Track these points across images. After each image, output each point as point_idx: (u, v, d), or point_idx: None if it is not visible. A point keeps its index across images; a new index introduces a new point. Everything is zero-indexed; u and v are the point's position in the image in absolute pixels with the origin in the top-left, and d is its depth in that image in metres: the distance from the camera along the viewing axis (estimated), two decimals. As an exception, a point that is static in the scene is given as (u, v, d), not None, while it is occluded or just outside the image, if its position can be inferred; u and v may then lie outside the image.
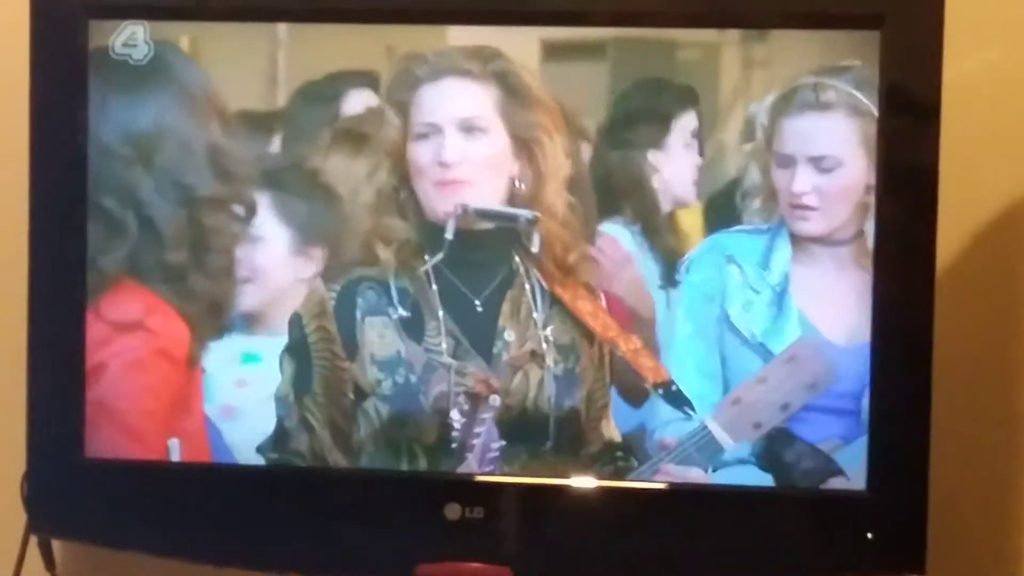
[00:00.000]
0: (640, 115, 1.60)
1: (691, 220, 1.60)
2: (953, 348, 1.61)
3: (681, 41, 1.59)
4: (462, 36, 1.59)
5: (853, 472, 1.57)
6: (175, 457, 1.62)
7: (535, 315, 1.60)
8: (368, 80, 1.60)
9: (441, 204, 1.58)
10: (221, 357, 1.62)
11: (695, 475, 1.59)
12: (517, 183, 1.58)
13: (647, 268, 1.62)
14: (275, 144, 1.62)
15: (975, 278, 1.75)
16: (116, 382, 1.61)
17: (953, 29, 1.53)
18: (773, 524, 1.59)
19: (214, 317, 1.61)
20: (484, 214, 1.58)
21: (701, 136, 1.60)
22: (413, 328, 1.59)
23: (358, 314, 1.59)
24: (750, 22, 1.58)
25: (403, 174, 1.59)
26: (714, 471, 1.59)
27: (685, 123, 1.60)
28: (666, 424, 1.60)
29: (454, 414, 1.59)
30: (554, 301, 1.61)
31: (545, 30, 1.59)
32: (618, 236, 1.61)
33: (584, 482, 1.60)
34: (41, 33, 1.59)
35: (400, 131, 1.58)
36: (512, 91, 1.57)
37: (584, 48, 1.60)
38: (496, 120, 1.58)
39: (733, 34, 1.59)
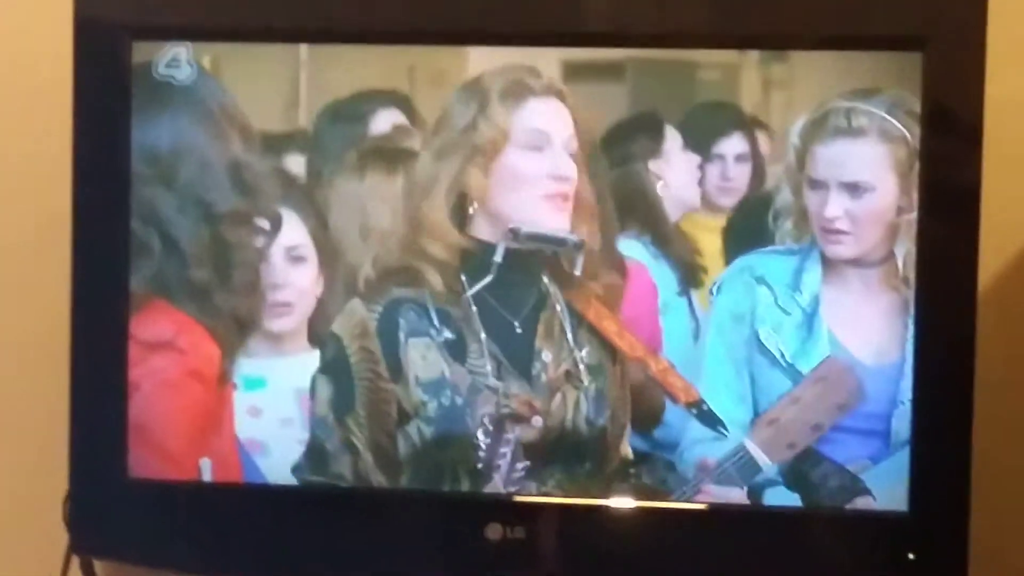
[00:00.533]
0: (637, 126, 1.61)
1: (705, 229, 1.62)
2: (994, 368, 1.60)
3: (725, 62, 1.60)
4: (483, 57, 1.60)
5: (881, 492, 1.57)
6: (207, 477, 1.63)
7: (568, 336, 1.61)
8: (395, 99, 1.61)
9: (540, 209, 1.58)
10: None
11: (736, 495, 1.59)
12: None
13: (662, 278, 1.63)
14: (301, 163, 1.63)
15: (1017, 298, 1.75)
16: (150, 402, 1.62)
17: (995, 49, 1.53)
18: (813, 545, 1.59)
19: (243, 335, 1.62)
20: (534, 237, 1.58)
21: (753, 157, 1.61)
22: (456, 349, 1.59)
23: (401, 335, 1.59)
24: (790, 43, 1.58)
25: (459, 195, 1.59)
26: (751, 492, 1.59)
27: (730, 146, 1.61)
28: (694, 444, 1.60)
29: (499, 436, 1.59)
30: (582, 321, 1.61)
31: (566, 51, 1.60)
32: (641, 259, 1.62)
33: (623, 502, 1.60)
34: (85, 54, 1.60)
35: (504, 137, 1.58)
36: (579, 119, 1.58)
37: (605, 69, 1.61)
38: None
39: (764, 55, 1.59)
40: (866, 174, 1.56)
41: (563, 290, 1.61)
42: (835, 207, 1.57)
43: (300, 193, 1.62)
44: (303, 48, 1.61)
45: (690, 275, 1.63)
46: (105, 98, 1.60)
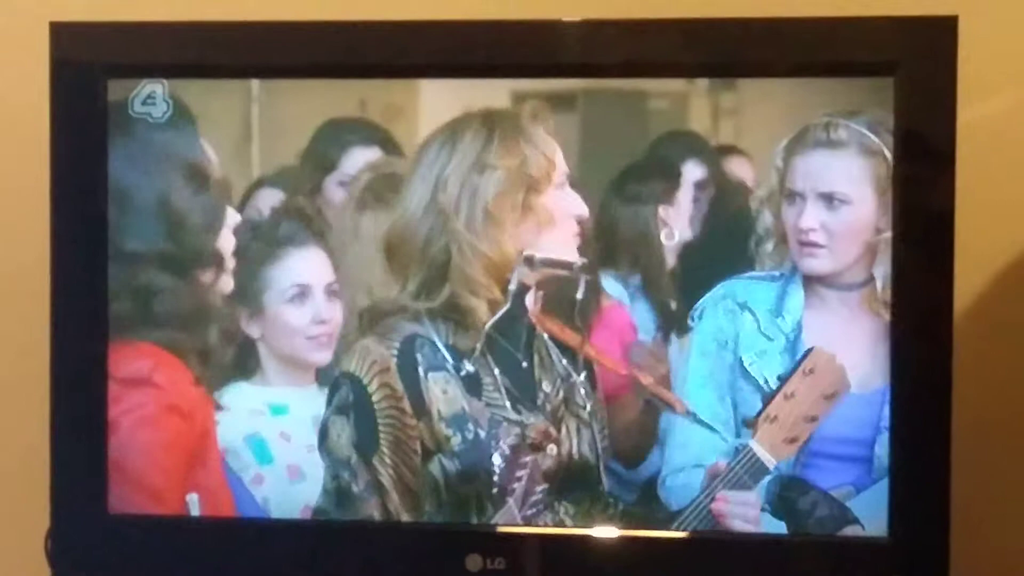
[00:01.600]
0: (644, 168, 1.62)
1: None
2: (972, 391, 1.61)
3: (691, 91, 1.61)
4: (433, 89, 1.61)
5: (868, 519, 1.57)
6: (195, 512, 1.63)
7: (557, 365, 1.61)
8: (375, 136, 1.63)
9: (503, 256, 1.58)
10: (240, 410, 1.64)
11: (750, 499, 1.59)
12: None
13: (642, 319, 1.63)
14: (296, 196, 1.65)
15: (993, 322, 1.75)
16: (130, 438, 1.62)
17: (966, 73, 1.54)
18: (796, 571, 1.59)
19: (221, 369, 1.63)
20: (547, 263, 1.59)
21: (707, 185, 1.62)
22: (472, 384, 1.59)
23: (420, 371, 1.59)
24: (765, 71, 1.58)
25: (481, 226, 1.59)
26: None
27: (691, 173, 1.62)
28: (699, 453, 1.61)
29: (520, 466, 1.59)
30: (565, 349, 1.62)
31: (516, 82, 1.61)
32: (621, 298, 1.63)
33: (605, 531, 1.60)
34: (61, 92, 1.61)
35: (552, 169, 1.58)
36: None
37: (557, 99, 1.61)
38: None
39: (743, 83, 1.60)
40: (843, 185, 1.57)
41: (544, 322, 1.61)
42: (811, 218, 1.57)
43: (323, 230, 1.64)
44: (280, 84, 1.63)
45: (669, 320, 1.63)
46: (81, 136, 1.60)
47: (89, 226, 1.60)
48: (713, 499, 1.59)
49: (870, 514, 1.57)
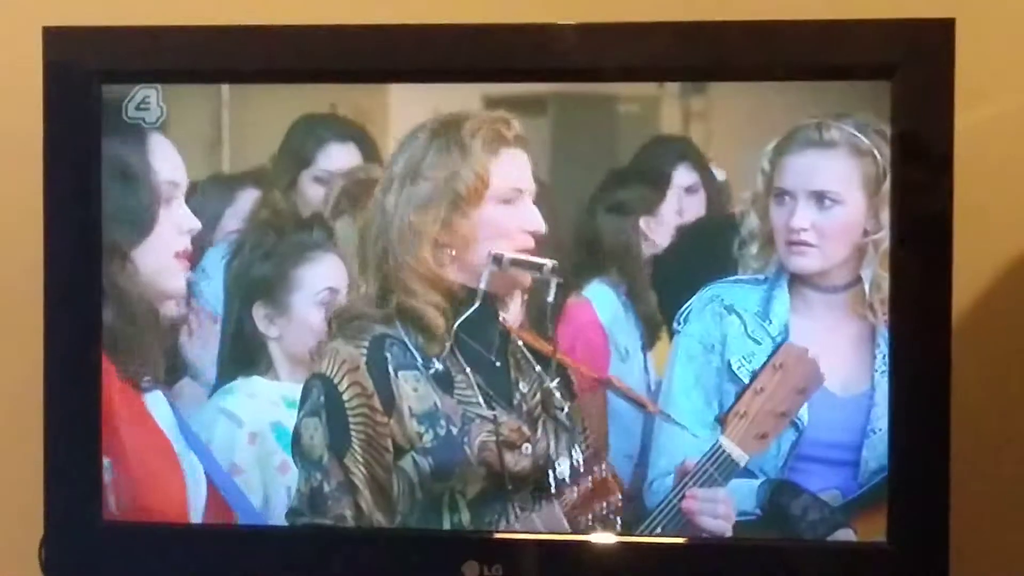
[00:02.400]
0: (630, 173, 1.61)
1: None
2: (970, 396, 1.60)
3: (678, 95, 1.60)
4: (403, 93, 1.61)
5: (858, 524, 1.57)
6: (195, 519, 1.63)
7: (535, 367, 1.61)
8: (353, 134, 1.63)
9: (473, 259, 1.59)
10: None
11: (719, 495, 1.58)
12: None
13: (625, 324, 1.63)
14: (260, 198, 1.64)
15: (991, 326, 1.74)
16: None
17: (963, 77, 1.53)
18: (793, 576, 1.59)
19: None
20: (517, 263, 1.58)
21: (693, 189, 1.61)
22: (444, 381, 1.59)
23: (390, 368, 1.59)
24: (758, 75, 1.57)
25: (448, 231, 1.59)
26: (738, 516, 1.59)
27: (678, 178, 1.61)
28: (670, 451, 1.60)
29: (495, 465, 1.59)
30: (538, 352, 1.61)
31: (487, 86, 1.61)
32: (592, 298, 1.62)
33: (603, 536, 1.60)
34: (54, 97, 1.61)
35: (484, 185, 1.58)
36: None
37: (526, 103, 1.61)
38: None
39: (739, 85, 1.59)
40: (835, 185, 1.56)
41: (517, 326, 1.61)
42: (802, 218, 1.57)
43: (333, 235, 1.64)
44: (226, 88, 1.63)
45: (650, 334, 1.63)
46: (75, 140, 1.60)
47: (83, 231, 1.60)
48: (683, 497, 1.58)
49: (860, 518, 1.57)
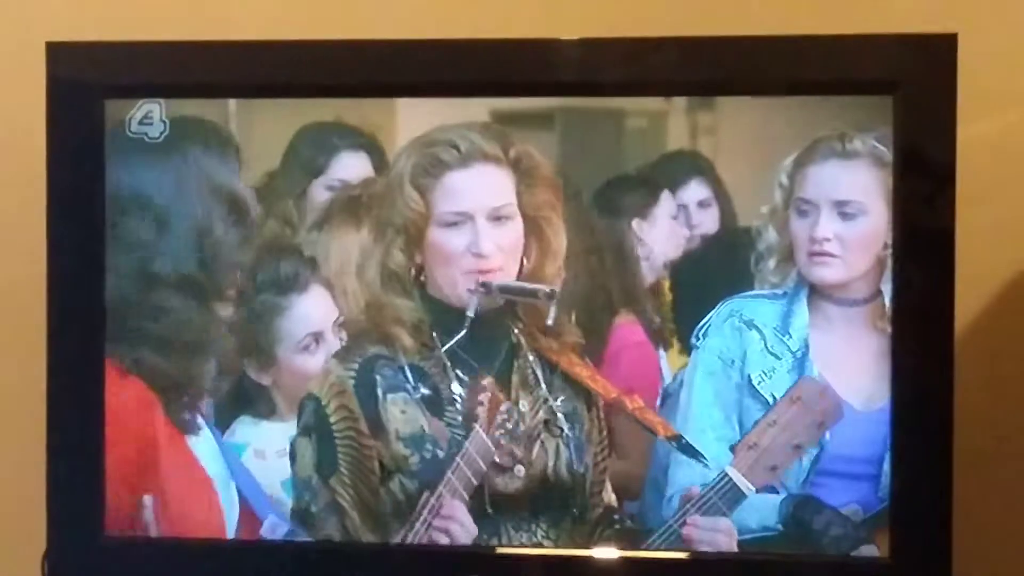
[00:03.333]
0: (633, 184, 1.61)
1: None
2: (973, 410, 1.60)
3: (691, 110, 1.60)
4: (411, 108, 1.60)
5: (878, 538, 1.56)
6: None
7: (541, 384, 1.60)
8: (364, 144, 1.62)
9: (464, 286, 1.58)
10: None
11: (721, 525, 1.58)
12: (525, 261, 1.59)
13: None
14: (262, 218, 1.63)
15: (994, 339, 1.75)
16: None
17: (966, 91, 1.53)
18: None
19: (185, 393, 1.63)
20: (506, 290, 1.58)
21: (708, 204, 1.61)
22: (433, 404, 1.59)
23: (379, 392, 1.59)
24: (765, 90, 1.58)
25: (420, 255, 1.59)
26: (742, 536, 1.58)
27: (692, 193, 1.61)
28: (676, 477, 1.60)
29: (484, 486, 1.58)
30: (553, 369, 1.61)
31: (494, 101, 1.60)
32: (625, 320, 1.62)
33: (606, 551, 1.59)
34: (58, 112, 1.60)
35: (423, 216, 1.58)
36: (526, 173, 1.58)
37: (533, 117, 1.61)
38: (517, 205, 1.58)
39: (751, 101, 1.59)
40: (858, 195, 1.56)
41: (532, 340, 1.60)
42: (825, 228, 1.57)
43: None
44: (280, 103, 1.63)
45: (660, 336, 1.62)
46: (79, 156, 1.60)
47: (86, 245, 1.60)
48: (683, 523, 1.58)
49: (880, 534, 1.56)
